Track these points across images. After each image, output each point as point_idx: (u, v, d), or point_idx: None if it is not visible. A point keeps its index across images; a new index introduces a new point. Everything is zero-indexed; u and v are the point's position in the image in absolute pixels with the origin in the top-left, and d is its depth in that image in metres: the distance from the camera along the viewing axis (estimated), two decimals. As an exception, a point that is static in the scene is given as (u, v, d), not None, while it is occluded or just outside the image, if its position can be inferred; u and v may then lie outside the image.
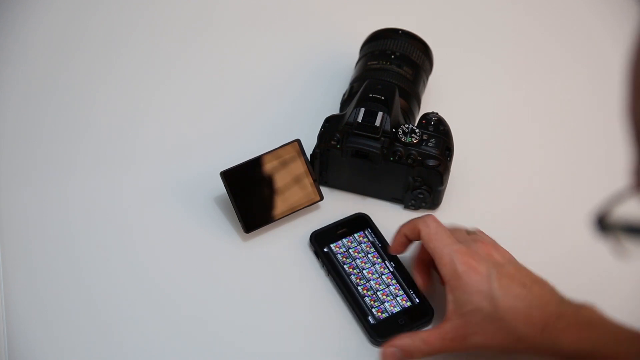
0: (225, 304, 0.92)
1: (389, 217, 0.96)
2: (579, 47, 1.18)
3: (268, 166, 0.96)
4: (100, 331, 0.89)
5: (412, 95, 1.01)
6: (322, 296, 0.92)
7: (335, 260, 0.93)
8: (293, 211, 0.96)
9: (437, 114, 0.97)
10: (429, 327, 0.90)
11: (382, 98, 0.95)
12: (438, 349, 0.82)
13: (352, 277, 0.92)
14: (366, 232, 0.95)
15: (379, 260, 0.93)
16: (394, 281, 0.91)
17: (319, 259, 0.94)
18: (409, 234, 0.88)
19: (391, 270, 0.92)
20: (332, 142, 0.95)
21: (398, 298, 0.90)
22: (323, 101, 1.08)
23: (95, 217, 0.97)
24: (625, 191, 0.55)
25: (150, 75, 1.12)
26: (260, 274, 0.94)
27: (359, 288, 0.91)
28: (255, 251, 0.96)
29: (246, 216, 0.94)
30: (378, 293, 0.90)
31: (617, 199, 0.55)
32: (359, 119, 0.94)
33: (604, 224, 0.55)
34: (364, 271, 0.92)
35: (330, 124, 0.96)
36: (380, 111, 0.94)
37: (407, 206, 0.99)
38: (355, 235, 0.95)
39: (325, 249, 0.94)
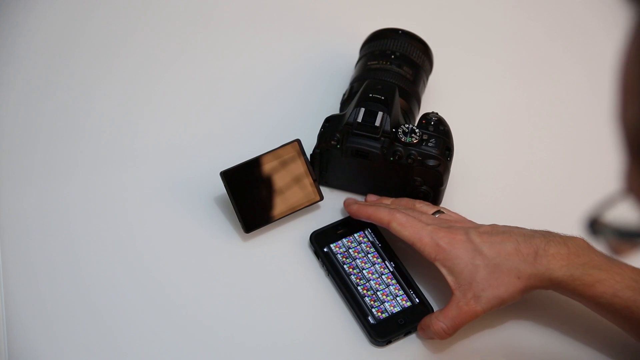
0: (225, 304, 0.92)
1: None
2: (578, 47, 1.18)
3: (268, 166, 0.96)
4: (100, 331, 0.89)
5: (412, 95, 1.01)
6: (322, 296, 0.92)
7: (335, 260, 0.93)
8: (293, 211, 0.96)
9: (437, 114, 0.97)
10: None
11: (382, 98, 0.95)
12: (457, 320, 0.85)
13: (352, 277, 0.92)
14: (366, 232, 0.95)
15: (379, 260, 0.93)
16: (393, 281, 0.91)
17: (318, 259, 0.94)
18: (374, 221, 0.92)
19: (391, 270, 0.92)
20: (332, 142, 0.95)
21: (398, 298, 0.90)
22: (323, 101, 1.08)
23: (95, 217, 0.97)
24: (616, 195, 0.55)
25: (151, 75, 1.12)
26: (260, 274, 0.94)
27: (358, 288, 0.91)
28: (255, 251, 0.96)
29: (246, 216, 0.94)
30: (378, 293, 0.91)
31: (609, 202, 0.55)
32: (359, 119, 0.94)
33: (596, 228, 0.55)
34: (364, 271, 0.92)
35: (330, 124, 0.96)
36: (380, 111, 0.94)
37: (407, 206, 0.99)
38: (355, 235, 0.95)
39: (325, 249, 0.94)
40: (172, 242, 0.96)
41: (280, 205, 0.96)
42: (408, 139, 0.94)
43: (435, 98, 1.09)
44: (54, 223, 0.97)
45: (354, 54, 1.07)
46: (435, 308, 0.90)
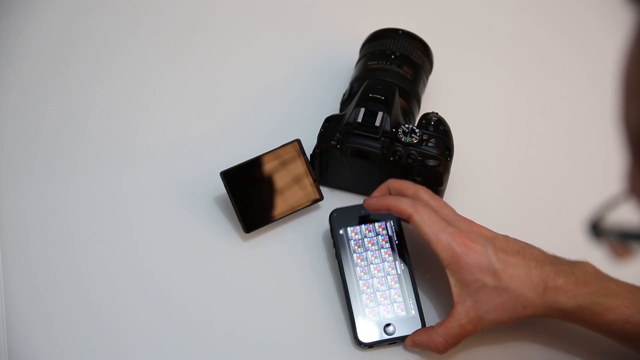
0: (225, 304, 0.92)
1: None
2: (578, 46, 1.19)
3: (268, 166, 0.96)
4: (100, 330, 0.89)
5: (412, 95, 1.01)
6: (322, 296, 0.92)
7: (347, 246, 0.91)
8: (293, 211, 0.96)
9: (437, 114, 0.97)
10: None
11: (382, 98, 0.95)
12: (458, 337, 0.84)
13: (358, 268, 0.90)
14: (388, 224, 0.93)
15: (390, 258, 0.91)
16: (397, 285, 0.90)
17: (332, 238, 0.92)
18: (395, 212, 0.88)
19: (398, 273, 0.91)
20: (332, 142, 0.95)
21: (395, 305, 0.89)
22: (323, 101, 1.08)
23: (94, 217, 0.97)
24: (619, 196, 0.55)
25: (151, 75, 1.12)
26: (260, 274, 0.94)
27: (360, 282, 0.90)
28: (255, 251, 0.96)
29: (246, 216, 0.94)
30: (377, 294, 0.90)
31: (611, 204, 0.55)
32: (359, 119, 0.94)
33: (598, 230, 0.55)
34: (372, 266, 0.91)
35: (330, 124, 0.96)
36: (380, 111, 0.94)
37: (407, 206, 0.98)
38: (376, 224, 0.93)
39: (341, 231, 0.92)
40: (172, 242, 0.96)
41: (280, 205, 0.96)
42: (408, 139, 0.94)
43: (435, 98, 1.09)
44: (54, 223, 0.97)
45: (354, 54, 1.07)
46: (427, 319, 0.89)
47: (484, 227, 0.87)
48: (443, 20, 1.21)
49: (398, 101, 0.97)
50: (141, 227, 0.97)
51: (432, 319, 0.90)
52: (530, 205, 1.02)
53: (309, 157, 0.97)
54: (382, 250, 0.92)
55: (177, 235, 0.97)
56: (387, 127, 0.94)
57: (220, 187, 0.95)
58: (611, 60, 1.11)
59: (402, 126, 0.95)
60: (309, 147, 0.97)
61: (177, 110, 1.09)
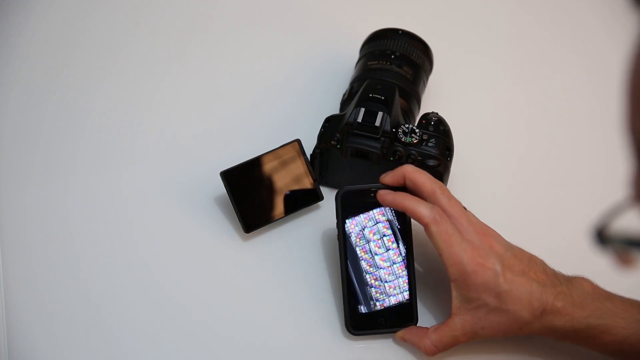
0: (225, 304, 0.92)
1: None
2: (578, 47, 1.19)
3: (268, 166, 0.96)
4: (100, 330, 0.89)
5: (412, 95, 1.01)
6: (322, 297, 0.92)
7: (349, 234, 0.89)
8: (293, 211, 0.96)
9: (437, 114, 0.97)
10: None
11: (382, 98, 0.95)
12: (448, 346, 0.85)
13: (358, 253, 0.89)
14: (386, 209, 0.90)
15: (392, 247, 0.89)
16: (393, 276, 0.89)
17: (337, 218, 0.89)
18: (410, 215, 0.86)
19: (397, 264, 0.89)
20: (332, 142, 0.95)
21: (389, 296, 0.89)
22: (323, 101, 1.08)
23: (94, 217, 0.97)
24: (624, 203, 0.55)
25: (150, 75, 1.12)
26: (260, 274, 0.94)
27: (357, 269, 0.89)
28: (255, 251, 0.96)
29: (246, 216, 0.94)
30: (374, 282, 0.89)
31: (616, 211, 0.55)
32: (359, 119, 0.94)
33: (603, 237, 0.55)
34: (376, 257, 0.89)
35: (330, 124, 0.96)
36: (380, 111, 0.94)
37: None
38: (375, 210, 0.90)
39: (346, 215, 0.89)
40: (172, 242, 0.96)
41: (280, 205, 0.96)
42: (408, 139, 0.94)
43: (435, 98, 1.09)
44: (54, 223, 0.97)
45: (354, 54, 1.07)
46: (420, 316, 0.89)
47: (495, 237, 0.85)
48: (443, 20, 1.21)
49: (398, 101, 0.97)
50: (141, 227, 0.97)
51: (425, 317, 0.90)
52: (530, 206, 1.02)
53: (309, 157, 0.97)
54: (384, 238, 0.90)
55: (177, 235, 0.97)
56: (387, 127, 0.94)
57: (220, 187, 0.95)
58: (611, 60, 1.12)
59: (402, 126, 0.95)
60: (309, 147, 0.97)
61: (177, 110, 1.09)
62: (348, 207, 0.89)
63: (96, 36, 1.15)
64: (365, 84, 0.98)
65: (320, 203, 0.98)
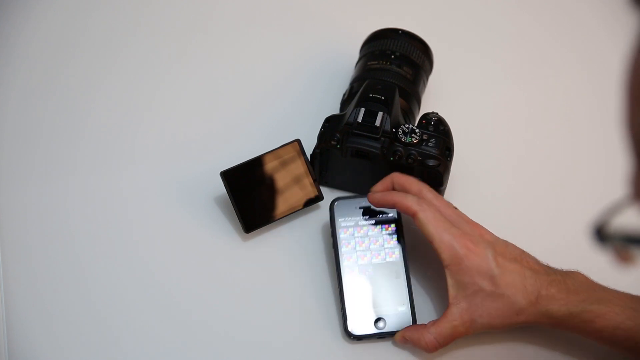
0: (225, 304, 0.92)
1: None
2: (578, 47, 1.19)
3: (268, 166, 0.96)
4: (100, 330, 0.89)
5: (412, 95, 1.01)
6: (321, 296, 0.92)
7: (345, 238, 0.91)
8: (293, 211, 0.96)
9: (437, 114, 0.97)
10: None
11: (382, 98, 0.95)
12: (449, 338, 0.85)
13: (353, 260, 0.90)
14: (387, 218, 0.92)
15: (386, 253, 0.91)
16: (391, 280, 0.90)
17: (331, 227, 0.92)
18: (400, 208, 0.88)
19: (394, 268, 0.90)
20: (332, 142, 0.95)
21: (388, 300, 0.89)
22: (323, 101, 1.08)
23: (94, 217, 0.97)
24: (623, 201, 0.55)
25: (150, 75, 1.12)
26: (260, 274, 0.94)
27: (354, 274, 0.89)
28: (255, 251, 0.96)
29: (246, 216, 0.94)
30: (371, 287, 0.89)
31: (615, 208, 0.55)
32: (359, 119, 0.94)
33: (603, 235, 0.55)
34: (367, 259, 0.90)
35: (330, 124, 0.96)
36: (380, 111, 0.94)
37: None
38: (375, 217, 0.92)
39: (341, 221, 0.92)
40: (172, 242, 0.96)
41: (280, 205, 0.96)
42: (408, 139, 0.94)
43: (435, 98, 1.09)
44: (54, 223, 0.97)
45: (354, 54, 1.07)
46: (419, 317, 0.89)
47: (485, 229, 0.88)
48: (443, 20, 1.21)
49: (398, 101, 0.97)
50: (141, 227, 0.97)
51: (423, 316, 0.90)
52: (530, 205, 1.02)
53: (309, 157, 0.97)
54: (378, 244, 0.92)
55: (177, 235, 0.97)
56: (387, 127, 0.94)
57: (220, 187, 0.95)
58: (611, 60, 1.11)
59: (402, 126, 0.95)
60: (309, 147, 0.97)
61: (177, 110, 1.09)
62: (342, 216, 0.92)
63: (96, 36, 1.15)
64: (365, 84, 0.98)
65: (320, 203, 0.98)
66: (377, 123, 0.94)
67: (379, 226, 0.92)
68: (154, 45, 1.15)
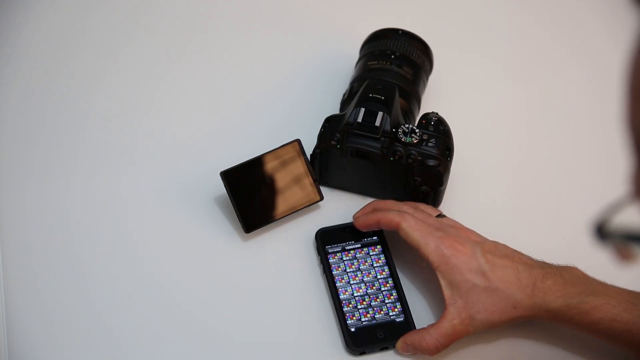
0: (225, 304, 0.92)
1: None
2: (578, 47, 1.19)
3: (268, 166, 0.96)
4: (100, 330, 0.89)
5: (412, 95, 1.01)
6: (321, 297, 0.92)
7: (335, 259, 0.93)
8: (293, 211, 0.96)
9: (437, 114, 0.97)
10: None
11: (382, 98, 0.95)
12: (449, 338, 0.85)
13: (346, 278, 0.91)
14: (372, 238, 0.94)
15: (377, 267, 0.92)
16: (385, 292, 0.90)
17: (319, 256, 0.94)
18: (384, 224, 0.91)
19: (386, 280, 0.91)
20: (332, 142, 0.95)
21: (385, 311, 0.89)
22: (323, 101, 1.08)
23: (95, 217, 0.97)
24: (624, 199, 0.55)
25: (151, 75, 1.12)
26: (260, 274, 0.94)
27: (348, 291, 0.90)
28: (255, 251, 0.96)
29: (246, 216, 0.94)
30: (367, 301, 0.90)
31: (616, 206, 0.55)
32: (359, 119, 0.94)
33: (603, 232, 0.55)
34: (359, 274, 0.92)
35: (330, 124, 0.96)
36: (380, 111, 0.94)
37: (407, 206, 0.99)
38: (362, 239, 0.94)
39: (328, 247, 0.93)
40: (172, 242, 0.96)
41: (280, 205, 0.96)
42: (408, 139, 0.94)
43: (435, 98, 1.09)
44: (54, 223, 0.97)
45: (354, 54, 1.07)
46: (417, 324, 0.89)
47: (473, 232, 0.89)
48: (443, 20, 1.21)
49: (398, 101, 0.97)
50: (141, 227, 0.97)
51: (422, 325, 0.89)
52: (530, 205, 1.02)
53: (309, 157, 0.97)
54: (367, 264, 0.93)
55: (177, 235, 0.97)
56: (387, 127, 0.94)
57: (220, 187, 0.95)
58: (611, 60, 1.12)
59: (402, 126, 0.95)
60: (309, 147, 0.97)
61: (177, 110, 1.09)
62: (328, 243, 0.94)
63: (96, 36, 1.15)
64: (365, 84, 0.98)
65: (320, 203, 0.98)
66: (377, 123, 0.94)
67: (365, 248, 0.94)
68: (154, 46, 1.15)
